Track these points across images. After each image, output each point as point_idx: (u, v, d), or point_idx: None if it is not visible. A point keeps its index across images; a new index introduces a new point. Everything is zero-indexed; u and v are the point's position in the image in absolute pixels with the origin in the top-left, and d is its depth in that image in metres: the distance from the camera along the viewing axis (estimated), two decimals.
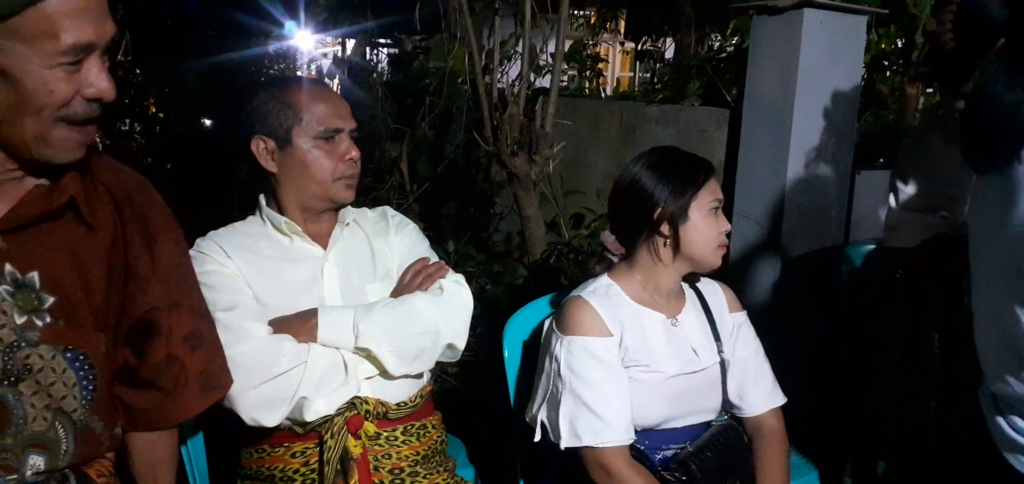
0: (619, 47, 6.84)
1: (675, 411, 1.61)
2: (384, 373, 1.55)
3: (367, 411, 1.53)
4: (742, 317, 1.75)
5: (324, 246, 1.62)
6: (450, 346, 1.62)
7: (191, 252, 1.49)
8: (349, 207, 1.68)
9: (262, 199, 1.63)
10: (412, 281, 1.63)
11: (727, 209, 2.94)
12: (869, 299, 2.14)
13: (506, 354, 1.88)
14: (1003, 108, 1.21)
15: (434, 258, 1.72)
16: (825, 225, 2.72)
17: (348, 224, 1.67)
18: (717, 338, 1.68)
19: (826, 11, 2.47)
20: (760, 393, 1.70)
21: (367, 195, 3.87)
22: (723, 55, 3.51)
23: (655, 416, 1.59)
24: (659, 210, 1.57)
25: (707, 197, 1.59)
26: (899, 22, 3.02)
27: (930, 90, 3.12)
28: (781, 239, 2.68)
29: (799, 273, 2.70)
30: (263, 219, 1.62)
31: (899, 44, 3.33)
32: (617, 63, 9.22)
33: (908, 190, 1.89)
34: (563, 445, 1.54)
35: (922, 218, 1.87)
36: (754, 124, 2.72)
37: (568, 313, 1.59)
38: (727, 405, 1.69)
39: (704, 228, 1.58)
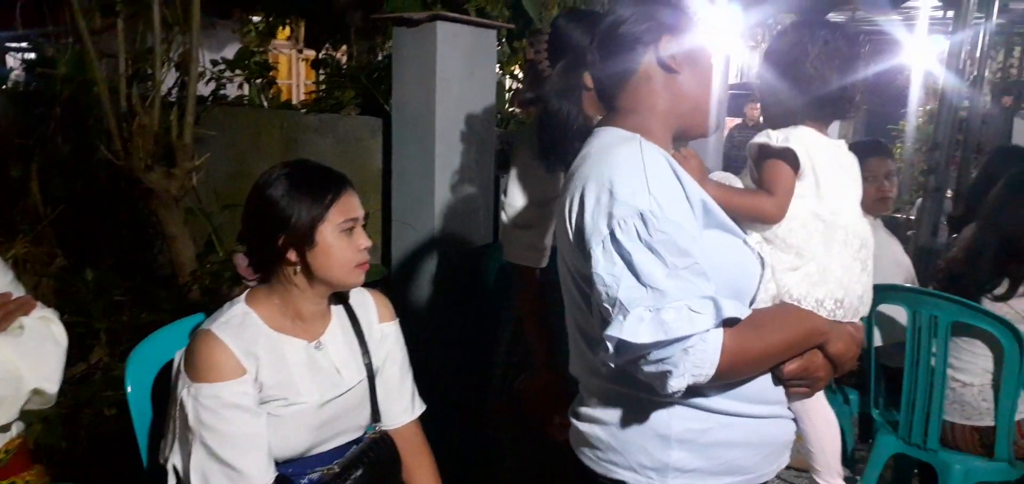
0: (298, 55, 6.70)
1: (320, 437, 1.57)
2: None
3: None
4: (392, 327, 1.73)
5: None
6: (37, 392, 1.44)
7: None
8: None
9: None
10: None
11: (387, 215, 3.02)
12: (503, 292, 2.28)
13: (129, 390, 1.71)
14: (556, 117, 1.36)
15: (20, 292, 1.53)
16: (474, 227, 2.87)
17: None
18: (365, 351, 1.65)
19: (458, 24, 2.60)
20: (401, 405, 1.72)
21: None
22: (382, 64, 3.57)
23: (299, 446, 1.54)
24: (283, 237, 1.49)
25: (338, 217, 1.51)
26: (528, 36, 3.28)
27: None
28: (436, 243, 2.78)
29: (455, 272, 2.82)
30: None
31: None
32: (302, 72, 9.01)
33: (510, 205, 1.98)
34: None
35: (523, 235, 1.96)
36: (402, 132, 2.80)
37: (197, 353, 1.45)
38: (377, 416, 1.68)
39: (336, 251, 1.51)
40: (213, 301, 2.72)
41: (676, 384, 1.14)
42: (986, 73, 4.00)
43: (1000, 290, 2.43)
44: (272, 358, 1.51)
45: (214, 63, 3.85)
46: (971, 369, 2.48)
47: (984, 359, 2.46)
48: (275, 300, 1.56)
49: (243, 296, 1.57)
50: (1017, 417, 2.44)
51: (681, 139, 1.39)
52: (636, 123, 1.31)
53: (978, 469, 2.48)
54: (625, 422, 1.30)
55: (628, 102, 1.33)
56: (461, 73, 2.67)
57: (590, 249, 1.19)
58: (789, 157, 1.36)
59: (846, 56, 1.40)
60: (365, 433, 1.67)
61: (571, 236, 1.26)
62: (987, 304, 2.44)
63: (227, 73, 4.04)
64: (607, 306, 1.16)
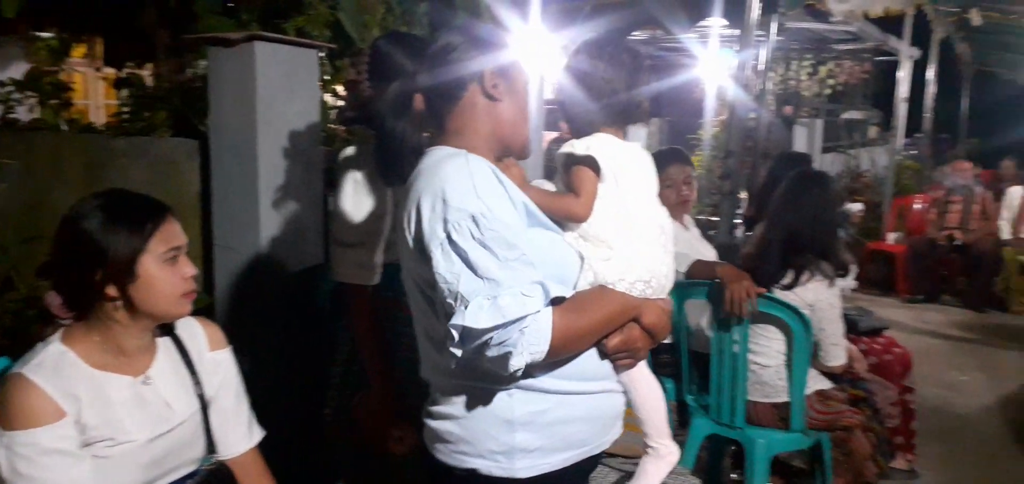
0: (97, 74, 6.24)
1: (152, 474, 1.51)
2: None
3: None
4: (224, 355, 1.70)
5: None
6: None
7: None
8: None
9: None
10: None
11: (207, 240, 2.90)
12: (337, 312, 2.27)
13: None
14: (391, 134, 1.47)
15: None
16: (304, 248, 2.82)
17: None
18: (196, 382, 1.61)
19: (277, 44, 2.57)
20: (238, 433, 1.69)
21: None
22: (196, 84, 3.42)
23: None
24: (101, 273, 1.43)
25: (160, 247, 1.47)
26: (350, 55, 3.28)
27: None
28: (263, 266, 2.71)
29: (285, 295, 2.76)
30: None
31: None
32: (101, 92, 8.39)
33: (338, 225, 1.98)
34: None
35: (352, 253, 1.96)
36: (222, 155, 2.71)
37: (8, 399, 1.36)
38: (212, 448, 1.64)
39: (160, 282, 1.47)
40: (17, 343, 2.50)
41: (516, 362, 1.28)
42: (768, 86, 4.45)
43: (787, 280, 2.74)
44: (94, 398, 1.44)
45: (0, 84, 3.53)
46: (767, 352, 2.77)
47: (778, 342, 2.76)
48: (95, 337, 1.49)
49: (58, 335, 1.49)
50: (806, 392, 2.76)
51: (503, 157, 1.53)
52: (462, 143, 1.45)
53: (777, 441, 2.78)
54: (472, 412, 1.42)
55: (455, 125, 1.47)
56: (282, 93, 2.64)
57: (430, 253, 1.31)
58: (591, 163, 1.51)
59: (631, 68, 1.58)
60: (201, 466, 1.63)
61: (411, 245, 1.37)
62: (777, 293, 2.74)
63: (17, 95, 3.71)
64: (450, 301, 1.29)
